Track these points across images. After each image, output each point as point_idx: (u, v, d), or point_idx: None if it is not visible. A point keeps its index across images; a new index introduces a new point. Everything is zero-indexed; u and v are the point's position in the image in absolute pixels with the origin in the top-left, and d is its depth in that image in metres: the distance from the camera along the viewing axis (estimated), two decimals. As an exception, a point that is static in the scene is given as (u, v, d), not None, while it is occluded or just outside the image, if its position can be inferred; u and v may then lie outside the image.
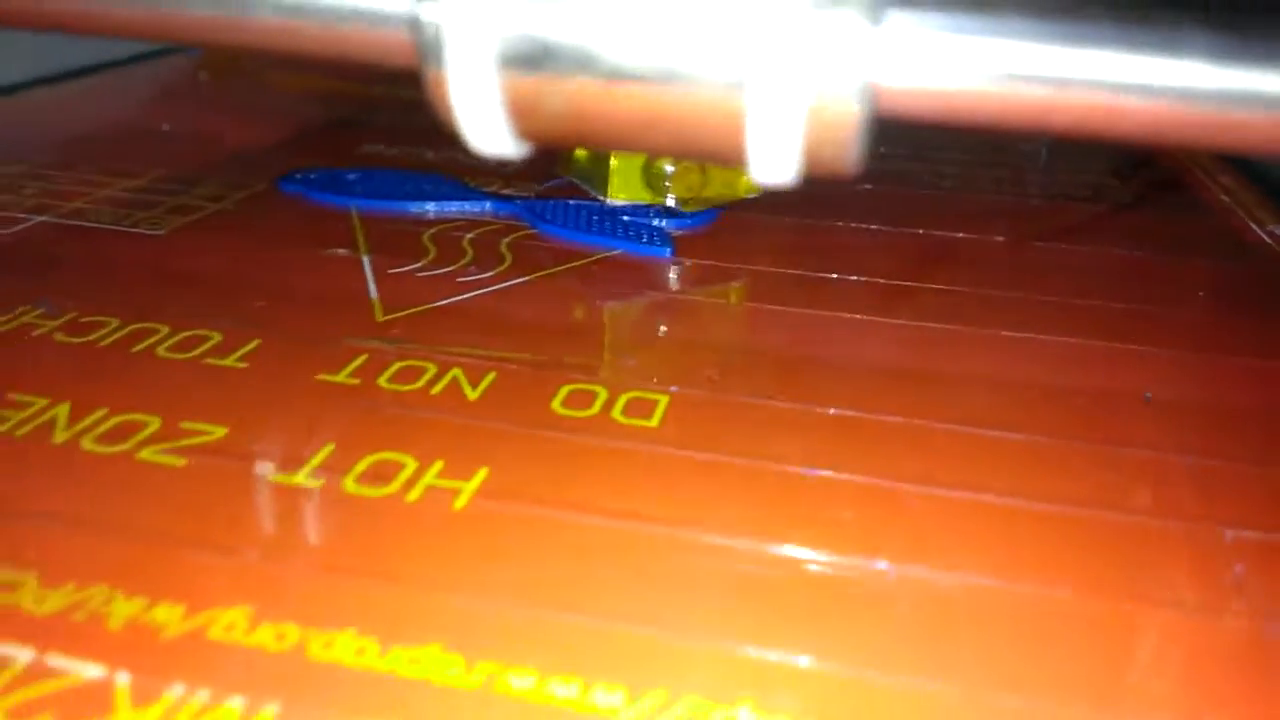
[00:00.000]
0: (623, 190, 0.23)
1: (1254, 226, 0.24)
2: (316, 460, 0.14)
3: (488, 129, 0.11)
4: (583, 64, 0.10)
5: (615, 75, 0.10)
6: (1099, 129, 0.10)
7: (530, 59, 0.10)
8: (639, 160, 0.23)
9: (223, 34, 0.11)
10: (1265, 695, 0.11)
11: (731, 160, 0.10)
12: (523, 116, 0.10)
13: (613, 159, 0.23)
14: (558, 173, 0.25)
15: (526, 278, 0.20)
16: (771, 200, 0.24)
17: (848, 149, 0.10)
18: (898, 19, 0.10)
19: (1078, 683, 0.11)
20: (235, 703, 0.10)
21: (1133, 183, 0.27)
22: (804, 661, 0.11)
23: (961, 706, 0.10)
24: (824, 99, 0.10)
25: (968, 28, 0.10)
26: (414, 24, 0.10)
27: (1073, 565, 0.12)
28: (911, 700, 0.10)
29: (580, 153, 0.24)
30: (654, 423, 0.15)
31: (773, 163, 0.10)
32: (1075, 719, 0.10)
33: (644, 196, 0.23)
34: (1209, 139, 0.10)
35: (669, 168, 0.22)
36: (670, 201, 0.23)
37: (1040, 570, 0.12)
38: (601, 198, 0.23)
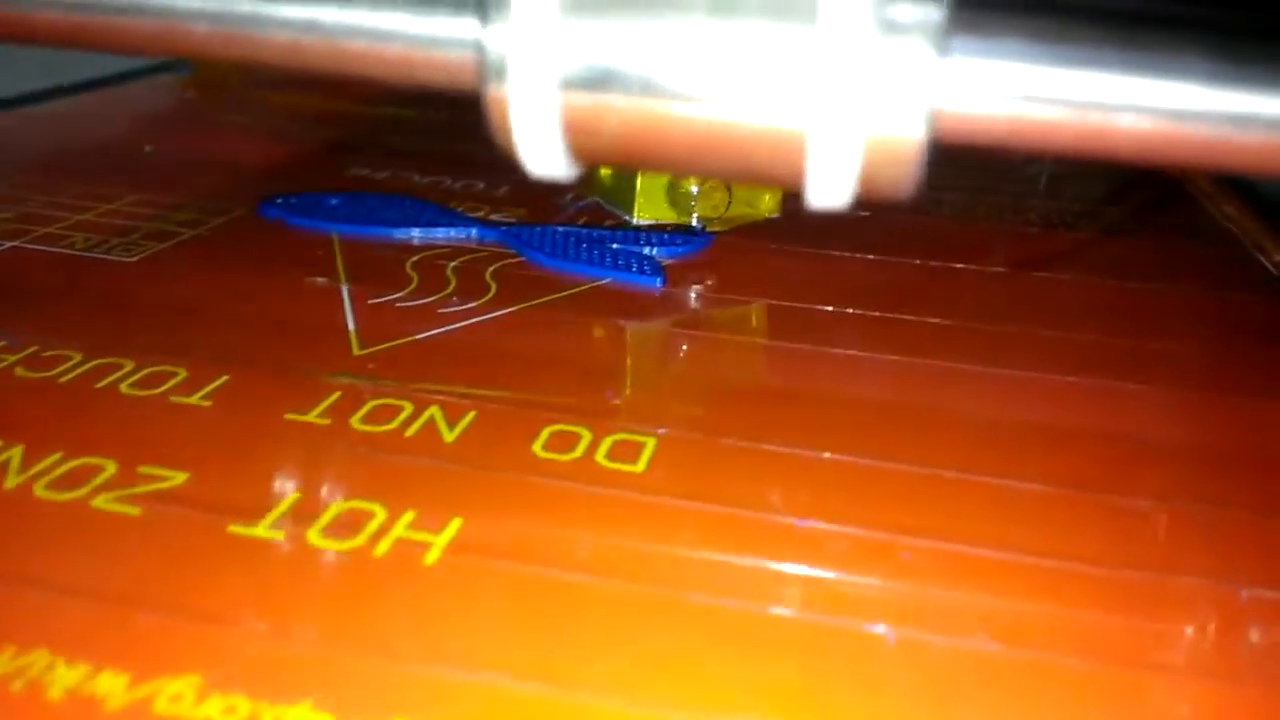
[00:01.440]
0: (648, 209, 0.22)
1: (1257, 255, 0.23)
2: (279, 510, 0.13)
3: (545, 150, 0.11)
4: (644, 88, 0.10)
5: (677, 99, 0.10)
6: (1159, 152, 0.10)
7: (592, 81, 0.10)
8: (664, 179, 0.22)
9: (289, 55, 0.11)
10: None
11: (788, 184, 0.10)
12: (580, 138, 0.10)
13: (639, 178, 0.22)
14: (581, 192, 0.24)
15: (511, 308, 0.19)
16: (766, 227, 0.24)
17: (907, 174, 0.10)
18: (962, 46, 0.10)
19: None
20: (177, 787, 0.09)
21: (1132, 208, 0.27)
22: (794, 737, 0.10)
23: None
24: (886, 126, 0.10)
25: (1031, 55, 0.10)
26: (478, 46, 0.10)
27: (1077, 627, 0.12)
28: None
29: (605, 171, 0.23)
30: (640, 468, 0.14)
31: (830, 187, 0.10)
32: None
33: (669, 215, 0.22)
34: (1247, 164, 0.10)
35: (694, 187, 0.22)
36: (694, 221, 0.22)
37: (1044, 633, 0.12)
38: (627, 217, 0.22)
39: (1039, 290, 0.21)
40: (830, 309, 0.19)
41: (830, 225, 0.24)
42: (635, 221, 0.22)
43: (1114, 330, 0.19)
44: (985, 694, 0.11)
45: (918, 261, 0.22)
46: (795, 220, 0.24)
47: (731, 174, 0.11)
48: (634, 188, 0.22)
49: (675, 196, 0.22)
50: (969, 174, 0.28)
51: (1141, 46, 0.10)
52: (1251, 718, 0.11)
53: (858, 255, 0.22)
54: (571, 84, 0.10)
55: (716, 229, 0.22)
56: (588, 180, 0.24)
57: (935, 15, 0.09)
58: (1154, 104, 0.10)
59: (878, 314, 0.19)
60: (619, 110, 0.10)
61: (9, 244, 0.21)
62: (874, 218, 0.25)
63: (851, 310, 0.19)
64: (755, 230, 0.23)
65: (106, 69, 0.35)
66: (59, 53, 0.12)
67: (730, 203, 0.22)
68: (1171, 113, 0.10)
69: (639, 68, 0.10)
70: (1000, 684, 0.11)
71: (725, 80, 0.10)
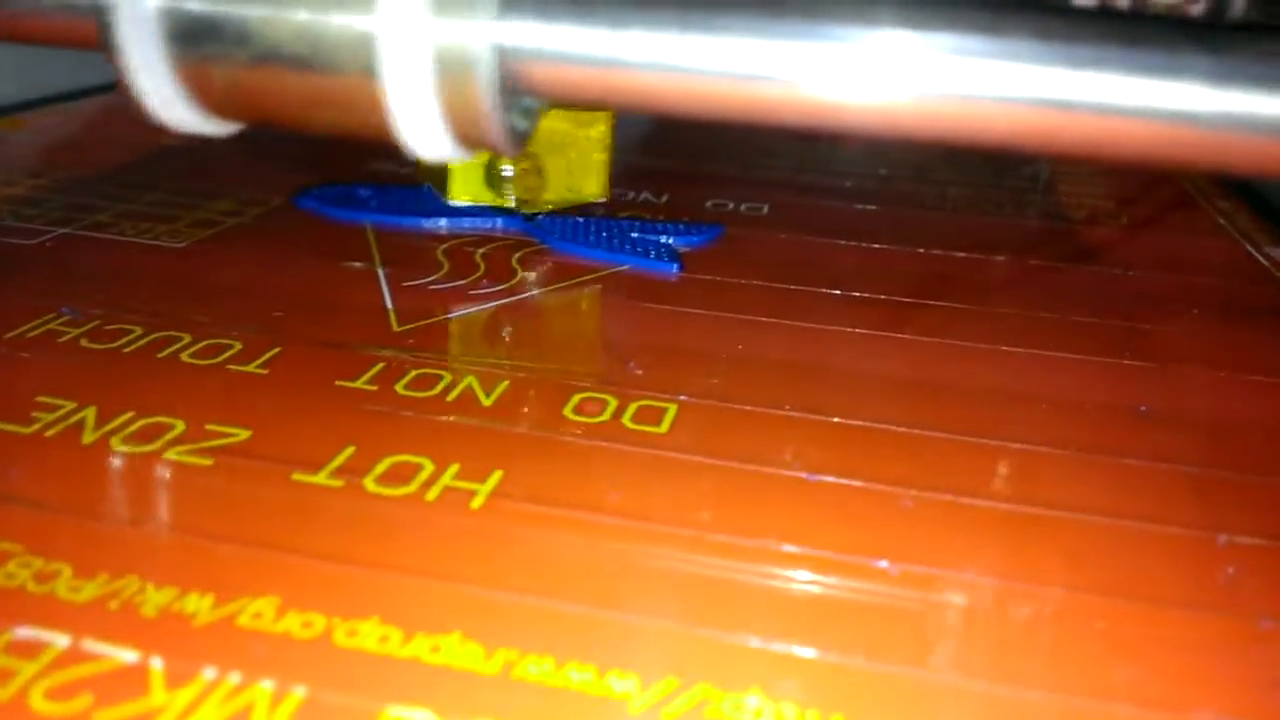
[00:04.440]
0: (463, 191, 0.23)
1: (1251, 250, 0.24)
2: (337, 462, 0.14)
3: (170, 105, 0.12)
4: (239, 43, 0.11)
5: (269, 57, 0.11)
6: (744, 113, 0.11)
7: (193, 36, 0.11)
8: (480, 161, 0.23)
9: None
10: (1257, 686, 0.11)
11: (390, 137, 0.12)
12: (199, 93, 0.12)
13: (450, 165, 0.23)
14: (417, 178, 0.25)
15: (538, 290, 0.20)
16: (776, 219, 0.25)
17: (489, 122, 0.11)
18: (522, 8, 0.11)
19: (1071, 676, 0.11)
20: (265, 685, 0.10)
21: (1131, 205, 0.28)
22: (809, 653, 0.11)
23: (954, 694, 0.11)
24: (451, 77, 0.11)
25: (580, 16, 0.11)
26: (95, 8, 0.11)
27: (1066, 566, 0.13)
28: (910, 689, 0.11)
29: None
30: (663, 429, 0.15)
31: (424, 138, 0.12)
32: (1071, 710, 0.11)
33: (485, 197, 0.23)
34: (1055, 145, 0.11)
35: (507, 170, 0.23)
36: (511, 202, 0.23)
37: (1036, 571, 0.13)
38: (445, 199, 0.23)
39: (1040, 279, 0.22)
40: (839, 293, 0.21)
41: (839, 220, 0.25)
42: (452, 203, 0.23)
43: (1112, 314, 0.20)
44: (976, 619, 0.12)
45: (922, 251, 0.23)
46: (806, 213, 0.26)
47: (345, 130, 0.12)
48: (448, 170, 0.23)
49: (491, 178, 0.23)
50: (973, 172, 0.30)
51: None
52: (1224, 640, 0.12)
53: (867, 245, 0.24)
54: (174, 38, 0.11)
55: (546, 210, 0.23)
56: (419, 166, 0.25)
57: None
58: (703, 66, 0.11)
59: (885, 297, 0.21)
60: (222, 64, 0.11)
61: (60, 230, 0.22)
62: (881, 213, 0.26)
63: (859, 294, 0.21)
64: (766, 223, 0.25)
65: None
66: (90, 53, 0.13)
67: (545, 186, 0.23)
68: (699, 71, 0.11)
69: (232, 21, 0.11)
70: (992, 611, 0.12)
71: (304, 36, 0.11)
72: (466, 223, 0.23)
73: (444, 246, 0.22)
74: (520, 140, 0.12)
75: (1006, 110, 0.11)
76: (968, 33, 0.11)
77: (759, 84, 0.11)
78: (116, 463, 0.14)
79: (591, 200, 0.24)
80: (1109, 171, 0.30)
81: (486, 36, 0.11)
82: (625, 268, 0.22)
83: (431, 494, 0.13)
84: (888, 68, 0.11)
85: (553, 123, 0.23)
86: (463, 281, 0.20)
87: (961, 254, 0.23)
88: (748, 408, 0.16)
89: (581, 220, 0.23)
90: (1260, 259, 0.24)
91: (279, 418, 0.15)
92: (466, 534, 0.13)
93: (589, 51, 0.11)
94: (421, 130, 0.11)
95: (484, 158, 0.23)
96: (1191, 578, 0.13)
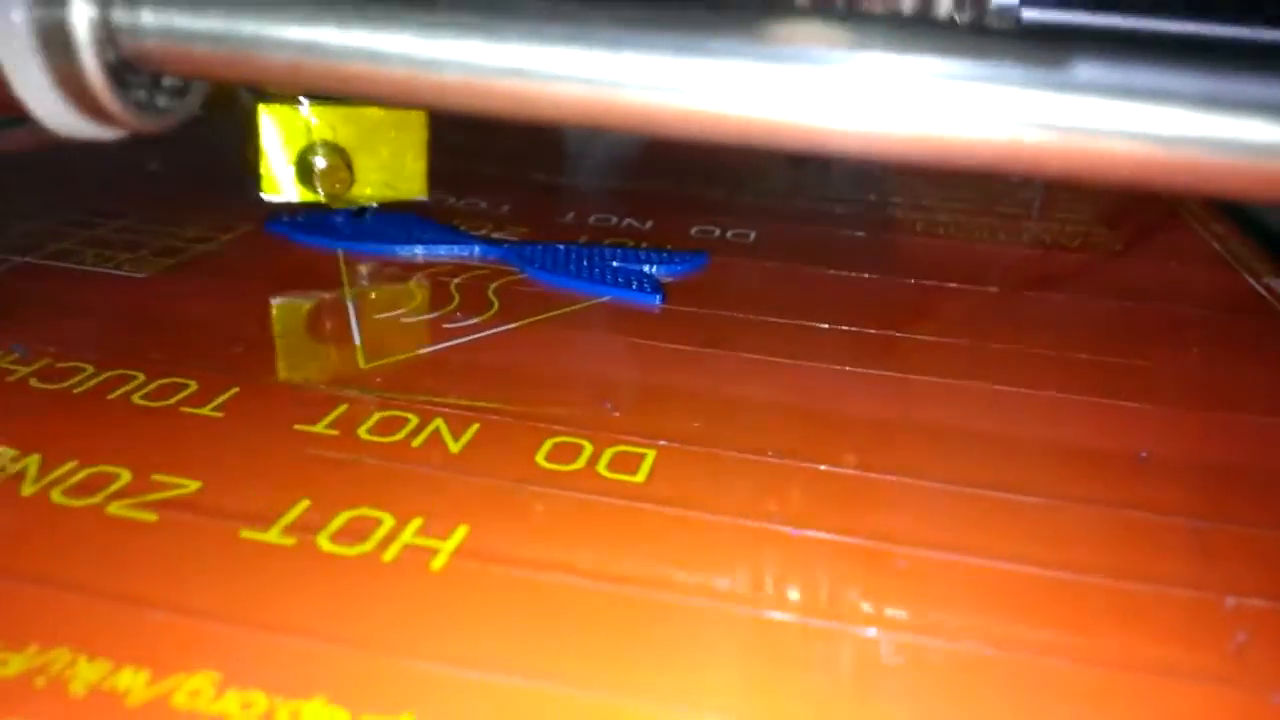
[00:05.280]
0: (274, 186, 0.22)
1: (1247, 277, 0.24)
2: (290, 516, 0.13)
3: None
4: None
5: None
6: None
7: None
8: (293, 156, 0.22)
9: None
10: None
11: (20, 111, 0.13)
12: None
13: (263, 154, 0.22)
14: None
15: (514, 324, 0.19)
16: (763, 246, 0.24)
17: (106, 97, 0.13)
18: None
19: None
20: (196, 778, 0.09)
21: (1124, 230, 0.27)
22: (791, 735, 0.10)
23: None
24: (56, 52, 0.12)
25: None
26: None
27: (1066, 631, 0.12)
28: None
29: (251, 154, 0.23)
30: (640, 478, 0.15)
31: (50, 112, 0.13)
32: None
33: (301, 193, 0.22)
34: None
35: (319, 163, 0.22)
36: (322, 197, 0.22)
37: (1032, 638, 0.12)
38: (261, 194, 0.22)
39: (1033, 310, 0.22)
40: (826, 326, 0.20)
41: (828, 246, 0.24)
42: (265, 199, 0.22)
43: (1107, 349, 0.19)
44: (973, 692, 0.11)
45: (913, 281, 0.22)
46: (794, 240, 0.25)
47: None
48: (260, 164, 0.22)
49: (303, 173, 0.22)
50: (964, 197, 0.29)
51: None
52: (1232, 714, 0.11)
53: (856, 274, 0.23)
54: None
55: (342, 206, 0.23)
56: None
57: None
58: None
59: (874, 331, 0.20)
60: None
61: (20, 259, 0.21)
62: (871, 240, 0.25)
63: (847, 328, 0.20)
64: (753, 250, 0.24)
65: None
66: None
67: (353, 181, 0.22)
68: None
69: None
70: (988, 683, 0.11)
71: None
72: (443, 250, 0.23)
73: (418, 276, 0.21)
74: (163, 117, 0.13)
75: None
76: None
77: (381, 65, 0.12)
78: (55, 519, 0.13)
79: (413, 198, 0.23)
80: (1103, 195, 0.30)
81: (87, 12, 0.12)
82: (606, 298, 0.21)
83: (389, 553, 0.13)
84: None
85: (367, 117, 0.22)
86: (435, 314, 0.20)
87: (953, 284, 0.22)
88: (731, 453, 0.15)
89: (562, 248, 0.23)
90: (1260, 290, 0.23)
91: (231, 467, 0.14)
92: (425, 601, 0.12)
93: (200, 28, 0.12)
94: (44, 104, 0.13)
95: (297, 152, 0.22)
96: (1199, 646, 0.12)
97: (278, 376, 0.17)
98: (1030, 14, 0.15)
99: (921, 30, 0.11)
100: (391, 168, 0.22)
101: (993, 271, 0.23)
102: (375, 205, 0.23)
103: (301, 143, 0.22)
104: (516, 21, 0.10)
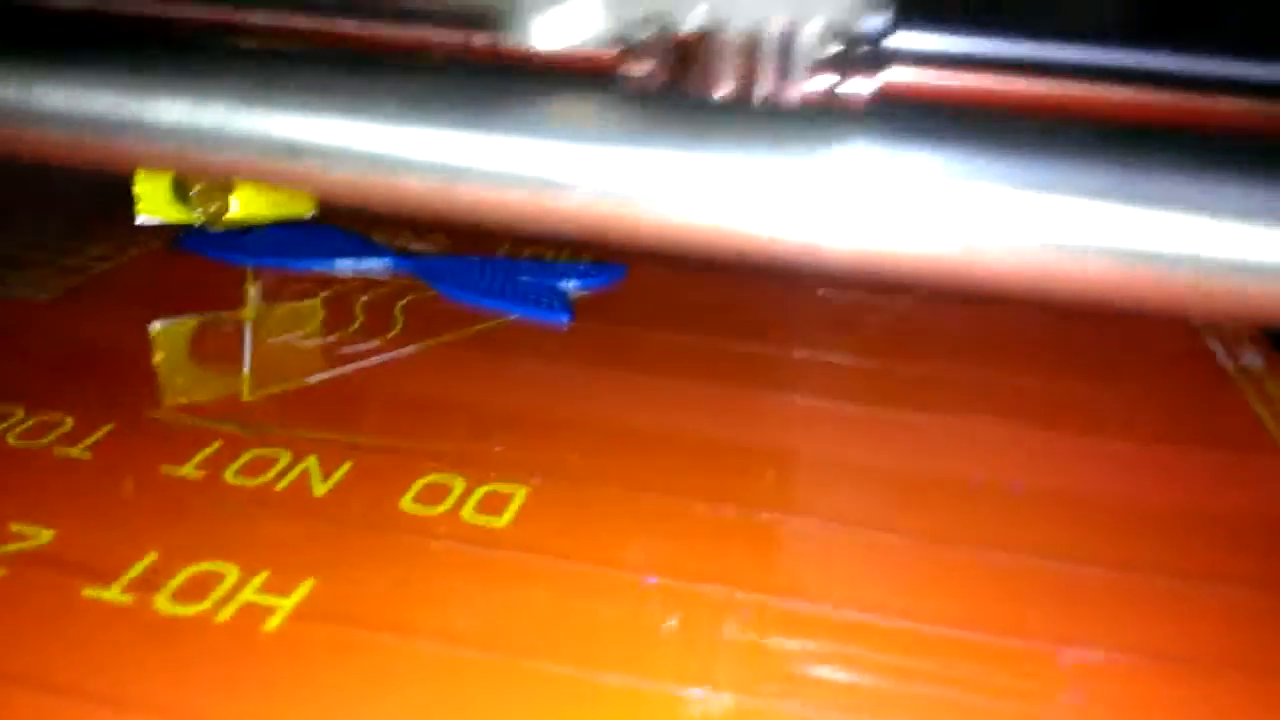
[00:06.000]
0: (151, 208, 0.22)
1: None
2: (134, 571, 0.13)
3: None
4: None
5: None
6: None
7: None
8: (168, 177, 0.22)
9: None
10: None
11: None
12: None
13: (137, 181, 0.22)
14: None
15: (414, 346, 0.19)
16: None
17: None
18: None
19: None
20: None
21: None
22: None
23: None
24: None
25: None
26: None
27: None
28: None
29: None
30: (503, 521, 0.14)
31: None
32: None
33: (176, 214, 0.22)
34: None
35: (195, 185, 0.22)
36: (201, 219, 0.22)
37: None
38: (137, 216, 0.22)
39: (1029, 333, 0.21)
40: (736, 345, 0.20)
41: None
42: (139, 221, 0.22)
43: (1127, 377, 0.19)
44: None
45: (822, 292, 0.22)
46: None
47: None
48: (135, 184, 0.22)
49: (179, 193, 0.22)
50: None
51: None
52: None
53: (775, 285, 0.22)
54: None
55: (222, 229, 0.22)
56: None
57: None
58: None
59: (788, 352, 0.19)
60: None
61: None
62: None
63: (756, 348, 0.20)
64: (682, 262, 0.23)
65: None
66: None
67: (227, 205, 0.22)
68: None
69: None
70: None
71: None
72: (360, 264, 0.22)
73: (326, 293, 0.21)
74: None
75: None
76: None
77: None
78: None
79: (301, 217, 0.23)
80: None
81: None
82: (513, 316, 0.21)
83: (224, 614, 0.12)
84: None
85: None
86: (333, 337, 0.19)
87: (880, 297, 0.22)
88: (606, 490, 0.15)
89: (475, 261, 0.22)
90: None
91: (89, 514, 0.14)
92: (251, 667, 0.12)
93: None
94: None
95: (169, 176, 0.22)
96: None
97: (156, 410, 0.17)
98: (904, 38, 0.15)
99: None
100: (278, 188, 0.22)
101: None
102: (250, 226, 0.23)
103: None
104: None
